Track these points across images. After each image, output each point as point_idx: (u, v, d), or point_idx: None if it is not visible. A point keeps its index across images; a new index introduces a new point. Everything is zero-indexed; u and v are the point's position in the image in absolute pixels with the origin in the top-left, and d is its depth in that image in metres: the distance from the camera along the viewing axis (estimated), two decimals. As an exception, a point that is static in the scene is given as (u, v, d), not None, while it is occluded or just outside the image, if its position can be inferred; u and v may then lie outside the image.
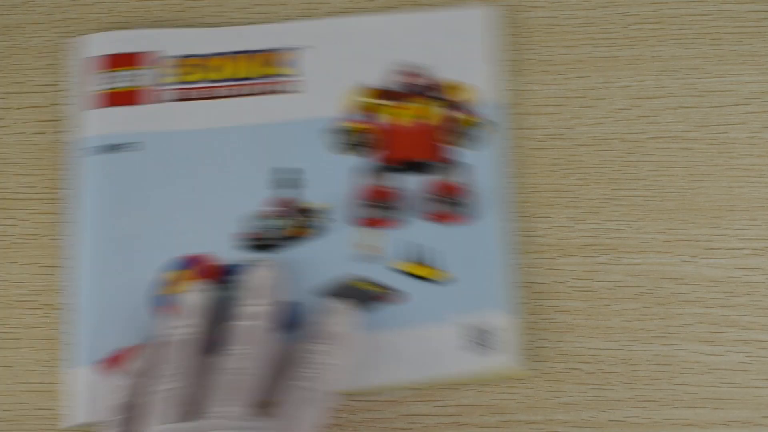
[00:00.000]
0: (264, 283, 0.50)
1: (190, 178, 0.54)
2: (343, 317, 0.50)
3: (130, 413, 0.47)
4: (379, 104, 0.56)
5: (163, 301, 0.52)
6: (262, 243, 0.54)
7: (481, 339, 0.52)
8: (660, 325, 0.54)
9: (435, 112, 0.56)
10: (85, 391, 0.51)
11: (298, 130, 0.55)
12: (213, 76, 0.56)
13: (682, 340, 0.54)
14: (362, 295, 0.53)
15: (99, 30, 0.57)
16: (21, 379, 0.54)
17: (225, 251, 0.53)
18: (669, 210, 0.55)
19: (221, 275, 0.52)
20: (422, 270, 0.53)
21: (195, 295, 0.50)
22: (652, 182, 0.56)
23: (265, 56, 0.56)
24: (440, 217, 0.54)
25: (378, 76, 0.56)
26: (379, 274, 0.53)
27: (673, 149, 0.56)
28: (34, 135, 0.57)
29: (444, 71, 0.56)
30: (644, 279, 0.54)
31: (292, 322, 0.51)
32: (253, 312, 0.49)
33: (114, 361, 0.51)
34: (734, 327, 0.54)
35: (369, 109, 0.56)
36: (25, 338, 0.54)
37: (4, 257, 0.55)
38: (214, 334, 0.50)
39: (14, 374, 0.54)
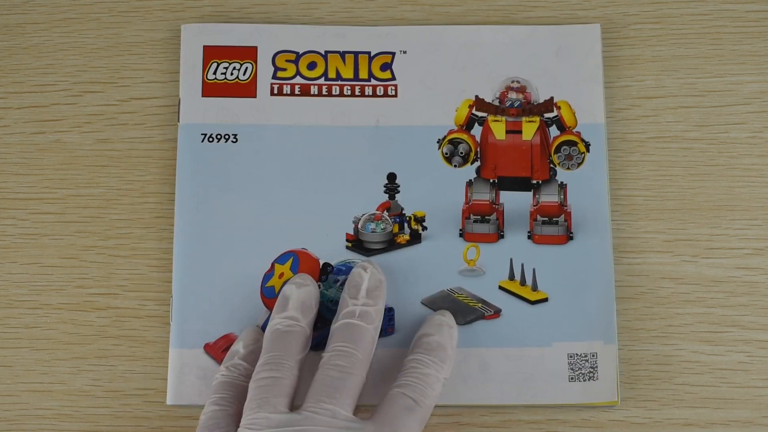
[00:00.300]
0: (374, 285, 0.49)
1: (288, 173, 0.54)
2: (450, 331, 0.49)
3: (232, 392, 0.48)
4: (480, 117, 0.55)
5: (270, 292, 0.52)
6: (364, 245, 0.54)
7: (585, 369, 0.52)
8: (660, 325, 0.54)
9: (536, 129, 0.55)
10: (191, 371, 0.52)
11: (395, 136, 0.55)
12: (306, 73, 0.56)
13: (682, 340, 0.54)
14: (463, 309, 0.52)
15: (99, 29, 0.58)
16: (21, 379, 0.54)
17: (328, 249, 0.53)
18: (669, 210, 0.55)
19: (323, 272, 0.53)
20: (522, 289, 0.53)
21: (297, 289, 0.50)
22: (652, 182, 0.56)
23: (360, 57, 0.56)
24: (540, 237, 0.54)
25: (478, 88, 0.55)
26: (478, 288, 0.53)
27: (673, 149, 0.56)
28: (34, 135, 0.57)
29: (545, 87, 0.55)
30: (644, 279, 0.54)
31: (383, 327, 0.50)
32: (363, 312, 0.48)
33: (221, 344, 0.52)
34: (734, 327, 0.54)
35: (469, 121, 0.55)
36: (25, 338, 0.54)
37: (4, 257, 0.55)
38: (317, 330, 0.50)
39: (14, 374, 0.54)
